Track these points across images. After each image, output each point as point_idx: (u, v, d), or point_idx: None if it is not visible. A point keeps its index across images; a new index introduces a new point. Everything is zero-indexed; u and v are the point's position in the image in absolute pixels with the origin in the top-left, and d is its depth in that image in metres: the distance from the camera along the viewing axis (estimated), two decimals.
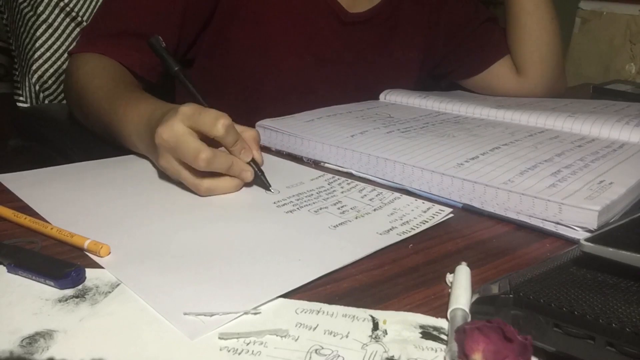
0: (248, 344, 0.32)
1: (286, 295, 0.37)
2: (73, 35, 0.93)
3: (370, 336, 0.33)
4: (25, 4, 0.91)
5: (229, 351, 0.31)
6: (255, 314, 0.35)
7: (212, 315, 0.34)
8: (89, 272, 0.39)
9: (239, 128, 0.54)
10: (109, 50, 0.71)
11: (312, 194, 0.54)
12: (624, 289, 0.32)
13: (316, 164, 0.63)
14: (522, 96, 0.95)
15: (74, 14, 0.92)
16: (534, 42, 0.92)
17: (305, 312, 0.35)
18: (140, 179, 0.56)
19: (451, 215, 0.50)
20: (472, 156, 0.57)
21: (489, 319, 0.30)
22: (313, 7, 0.83)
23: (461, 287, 0.36)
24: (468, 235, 0.47)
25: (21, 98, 0.94)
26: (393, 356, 0.31)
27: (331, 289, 0.38)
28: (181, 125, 0.50)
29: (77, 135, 0.77)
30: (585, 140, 0.65)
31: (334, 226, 0.47)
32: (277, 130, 0.67)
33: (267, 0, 0.80)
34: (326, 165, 0.63)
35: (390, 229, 0.47)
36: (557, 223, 0.47)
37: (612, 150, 0.61)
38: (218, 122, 0.50)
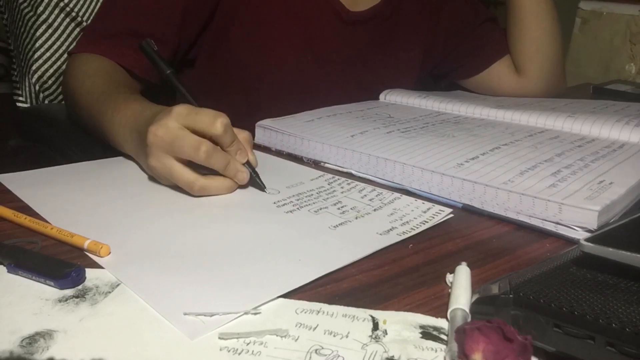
0: (248, 344, 0.32)
1: (286, 295, 0.37)
2: (73, 36, 0.93)
3: (370, 336, 0.33)
4: (25, 4, 0.91)
5: (229, 351, 0.31)
6: (255, 314, 0.35)
7: (212, 315, 0.34)
8: (89, 272, 0.39)
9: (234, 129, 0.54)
10: (108, 51, 0.71)
11: (312, 194, 0.54)
12: (624, 289, 0.32)
13: (316, 164, 0.63)
14: (522, 96, 0.95)
15: (73, 14, 0.92)
16: (535, 42, 0.93)
17: (305, 312, 0.35)
18: (141, 179, 0.56)
19: (451, 215, 0.50)
20: (472, 156, 0.57)
21: (489, 319, 0.30)
22: (314, 6, 0.83)
23: (461, 287, 0.36)
24: (468, 235, 0.47)
25: (21, 98, 0.94)
26: (393, 356, 0.31)
27: (331, 289, 0.38)
28: (175, 123, 0.50)
29: (77, 135, 0.77)
30: (585, 140, 0.65)
31: (334, 226, 0.47)
32: (277, 130, 0.67)
33: None
34: (326, 165, 0.63)
35: (390, 229, 0.47)
36: (557, 223, 0.47)
37: (612, 150, 0.61)
38: (217, 121, 0.50)
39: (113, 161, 0.62)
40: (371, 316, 0.35)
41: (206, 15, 0.79)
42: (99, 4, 0.93)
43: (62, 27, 0.92)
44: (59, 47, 0.93)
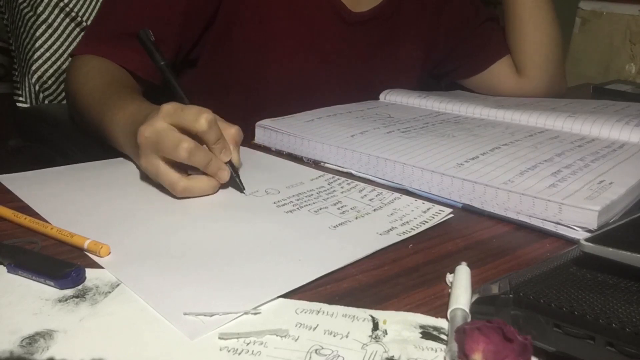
0: (248, 344, 0.32)
1: (286, 295, 0.37)
2: (73, 36, 0.93)
3: (370, 336, 0.33)
4: (25, 4, 0.91)
5: (229, 351, 0.31)
6: (255, 314, 0.35)
7: (212, 315, 0.34)
8: (89, 272, 0.39)
9: (222, 125, 0.54)
10: (110, 53, 0.71)
11: (312, 194, 0.54)
12: (624, 289, 0.32)
13: (316, 164, 0.63)
14: (523, 96, 0.95)
15: (73, 14, 0.92)
16: (534, 43, 0.93)
17: (305, 312, 0.35)
18: (141, 179, 0.56)
19: (451, 215, 0.50)
20: (472, 156, 0.57)
21: (489, 319, 0.30)
22: (316, 7, 0.83)
23: (461, 287, 0.36)
24: (468, 235, 0.47)
25: (21, 98, 0.94)
26: (393, 356, 0.31)
27: (331, 289, 0.38)
28: (162, 122, 0.50)
29: (76, 136, 0.77)
30: (585, 140, 0.65)
31: (334, 226, 0.47)
32: (277, 130, 0.67)
33: None
34: (326, 165, 0.63)
35: (390, 229, 0.47)
36: (557, 223, 0.47)
37: (612, 150, 0.61)
38: (201, 117, 0.50)
39: (113, 161, 0.62)
40: (371, 316, 0.35)
41: (208, 16, 0.79)
42: (98, 3, 0.93)
43: (61, 27, 0.92)
44: (59, 47, 0.93)
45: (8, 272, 0.39)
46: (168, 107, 0.51)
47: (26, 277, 0.38)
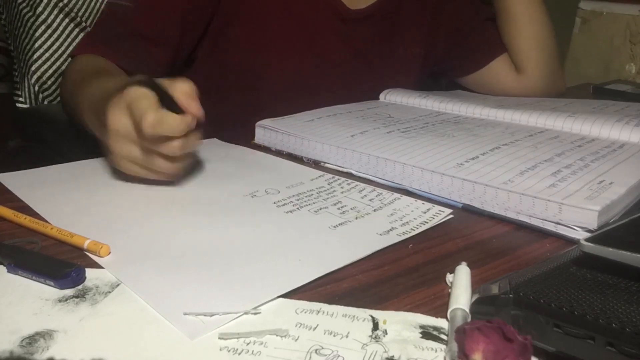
0: (248, 344, 0.32)
1: (286, 295, 0.37)
2: (72, 36, 0.93)
3: (370, 336, 0.33)
4: (24, 4, 0.91)
5: (229, 351, 0.31)
6: (255, 314, 0.35)
7: (212, 315, 0.34)
8: (89, 272, 0.39)
9: (169, 82, 0.50)
10: (107, 52, 0.71)
11: (312, 194, 0.54)
12: (624, 289, 0.32)
13: (316, 164, 0.63)
14: (522, 95, 0.95)
15: (73, 14, 0.92)
16: (529, 38, 0.93)
17: (305, 312, 0.35)
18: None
19: (451, 216, 0.50)
20: (472, 156, 0.57)
21: (489, 319, 0.30)
22: (314, 5, 0.83)
23: (461, 287, 0.36)
24: (468, 235, 0.47)
25: (20, 99, 0.94)
26: (393, 356, 0.31)
27: (331, 289, 0.38)
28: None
29: (76, 136, 0.77)
30: (585, 140, 0.65)
31: (334, 226, 0.47)
32: (277, 130, 0.67)
33: None
34: (326, 165, 0.63)
35: (390, 230, 0.47)
36: (557, 223, 0.47)
37: (612, 150, 0.61)
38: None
39: None
40: (371, 316, 0.35)
41: (208, 16, 0.79)
42: (98, 4, 0.93)
43: (61, 28, 0.92)
44: (58, 47, 0.93)
45: (8, 272, 0.39)
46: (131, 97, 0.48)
47: (26, 277, 0.38)
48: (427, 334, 0.34)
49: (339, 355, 0.31)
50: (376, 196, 0.54)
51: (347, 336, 0.33)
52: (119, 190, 0.53)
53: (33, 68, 0.92)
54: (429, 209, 0.51)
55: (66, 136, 0.83)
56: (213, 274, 0.39)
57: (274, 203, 0.52)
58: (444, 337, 0.33)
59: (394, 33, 0.91)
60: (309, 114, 0.74)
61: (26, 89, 0.93)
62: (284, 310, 0.35)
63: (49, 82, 0.94)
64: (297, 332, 0.33)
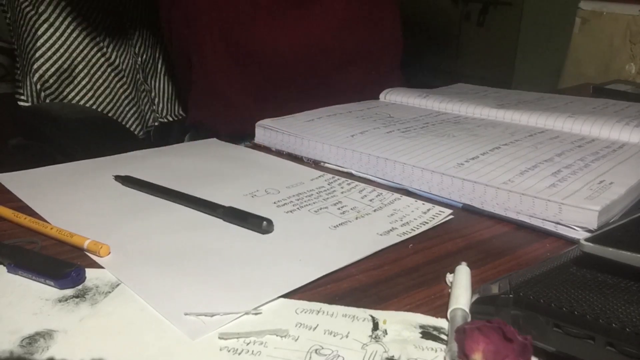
0: (248, 344, 0.32)
1: (286, 295, 0.37)
2: (74, 34, 0.93)
3: (370, 336, 0.33)
4: (26, 2, 0.91)
5: (229, 351, 0.31)
6: (256, 314, 0.35)
7: (212, 315, 0.34)
8: (89, 272, 0.39)
9: None
10: None
11: (312, 194, 0.54)
12: (624, 289, 0.32)
13: (316, 164, 0.63)
14: None
15: (75, 12, 0.92)
16: None
17: (305, 312, 0.35)
18: (141, 177, 0.56)
19: (451, 216, 0.50)
20: (472, 156, 0.57)
21: (489, 319, 0.30)
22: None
23: (461, 287, 0.36)
24: (468, 235, 0.47)
25: (22, 97, 0.94)
26: (393, 356, 0.32)
27: (331, 289, 0.38)
28: None
29: (77, 134, 0.78)
30: (585, 140, 0.65)
31: (334, 226, 0.47)
32: (277, 130, 0.67)
33: None
34: (326, 165, 0.63)
35: (391, 230, 0.47)
36: (557, 223, 0.47)
37: (612, 150, 0.61)
38: None
39: (113, 160, 0.62)
40: (371, 316, 0.35)
41: None
42: (100, 2, 0.93)
43: (63, 26, 0.92)
44: (60, 46, 0.93)
45: (8, 272, 0.39)
46: None
47: (26, 277, 0.38)
48: (427, 334, 0.34)
49: (339, 355, 0.31)
50: (376, 196, 0.54)
51: (347, 336, 0.33)
52: (119, 190, 0.53)
53: (35, 66, 0.92)
54: (429, 209, 0.51)
55: (67, 134, 0.83)
56: (213, 274, 0.39)
57: (274, 203, 0.52)
58: (444, 337, 0.33)
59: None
60: (309, 114, 0.74)
61: (28, 87, 0.93)
62: (284, 311, 0.35)
63: (51, 81, 0.94)
64: (297, 332, 0.33)
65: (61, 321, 0.34)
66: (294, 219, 0.48)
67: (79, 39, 0.93)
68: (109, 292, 0.37)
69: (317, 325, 0.34)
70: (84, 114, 0.93)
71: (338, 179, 0.58)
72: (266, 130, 0.69)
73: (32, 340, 0.32)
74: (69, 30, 0.93)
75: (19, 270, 0.38)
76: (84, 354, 0.31)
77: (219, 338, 0.32)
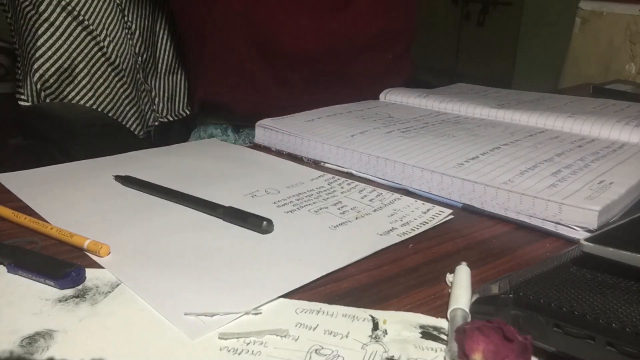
0: (248, 344, 0.32)
1: (286, 295, 0.37)
2: (75, 34, 0.93)
3: (370, 336, 0.33)
4: (26, 2, 0.91)
5: (229, 351, 0.31)
6: (256, 314, 0.35)
7: (212, 315, 0.34)
8: (89, 272, 0.39)
9: None
10: None
11: (312, 194, 0.54)
12: (624, 289, 0.32)
13: (316, 164, 0.63)
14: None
15: (75, 12, 0.92)
16: None
17: (305, 312, 0.35)
18: (141, 177, 0.56)
19: (451, 216, 0.50)
20: (472, 156, 0.57)
21: (489, 319, 0.30)
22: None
23: (461, 287, 0.36)
24: (468, 235, 0.47)
25: (23, 97, 0.94)
26: (393, 356, 0.32)
27: (331, 289, 0.38)
28: None
29: (78, 134, 0.78)
30: (585, 140, 0.65)
31: (334, 226, 0.47)
32: (277, 130, 0.67)
33: None
34: (326, 165, 0.63)
35: (391, 230, 0.47)
36: (557, 223, 0.47)
37: (612, 150, 0.61)
38: None
39: (113, 159, 0.62)
40: (371, 316, 0.35)
41: None
42: (101, 2, 0.93)
43: (63, 26, 0.92)
44: (61, 45, 0.93)
45: (8, 272, 0.39)
46: None
47: (26, 277, 0.38)
48: (427, 334, 0.34)
49: (339, 355, 0.31)
50: (376, 196, 0.54)
51: (347, 336, 0.33)
52: (119, 190, 0.53)
53: (35, 66, 0.92)
54: (429, 209, 0.51)
55: (67, 134, 0.83)
56: (213, 274, 0.39)
57: (274, 203, 0.52)
58: (444, 337, 0.33)
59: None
60: (309, 113, 0.74)
61: (28, 87, 0.93)
62: (284, 311, 0.35)
63: (51, 81, 0.94)
64: (297, 332, 0.33)
65: (61, 321, 0.34)
66: (294, 219, 0.48)
67: (79, 39, 0.93)
68: (109, 292, 0.37)
69: (317, 325, 0.34)
70: (84, 114, 0.93)
71: (338, 179, 0.58)
72: (266, 130, 0.69)
73: (32, 340, 0.32)
74: (69, 30, 0.93)
75: (19, 270, 0.38)
76: (84, 354, 0.31)
77: (219, 338, 0.32)
